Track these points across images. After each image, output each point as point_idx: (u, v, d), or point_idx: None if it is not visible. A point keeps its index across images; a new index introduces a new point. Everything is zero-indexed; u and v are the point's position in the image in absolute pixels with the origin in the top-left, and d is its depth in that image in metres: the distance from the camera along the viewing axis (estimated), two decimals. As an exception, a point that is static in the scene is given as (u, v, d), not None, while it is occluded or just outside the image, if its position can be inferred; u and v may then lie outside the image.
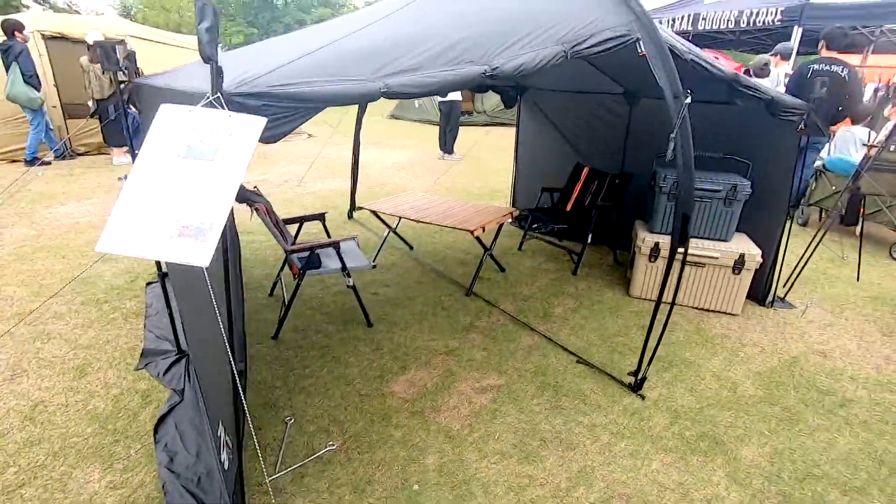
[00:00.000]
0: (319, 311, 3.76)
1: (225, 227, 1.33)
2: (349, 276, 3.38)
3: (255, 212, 3.13)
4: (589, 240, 4.58)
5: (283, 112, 1.45)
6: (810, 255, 4.18)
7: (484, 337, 3.46)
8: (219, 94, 1.26)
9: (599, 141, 5.27)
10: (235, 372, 1.52)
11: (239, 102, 1.35)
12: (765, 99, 3.23)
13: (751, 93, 3.09)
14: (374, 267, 4.54)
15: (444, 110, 9.80)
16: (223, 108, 1.26)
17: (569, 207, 5.03)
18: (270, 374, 2.95)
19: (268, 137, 1.50)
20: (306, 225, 3.85)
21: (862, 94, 5.79)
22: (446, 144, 9.93)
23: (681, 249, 2.56)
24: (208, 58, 1.22)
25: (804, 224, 6.36)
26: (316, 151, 8.66)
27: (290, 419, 2.55)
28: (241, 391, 1.63)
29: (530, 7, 2.45)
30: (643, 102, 4.81)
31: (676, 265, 2.63)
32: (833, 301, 4.25)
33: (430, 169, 8.84)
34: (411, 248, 5.08)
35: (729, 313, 3.92)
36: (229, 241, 1.51)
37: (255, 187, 3.61)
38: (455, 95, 9.66)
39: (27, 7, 25.88)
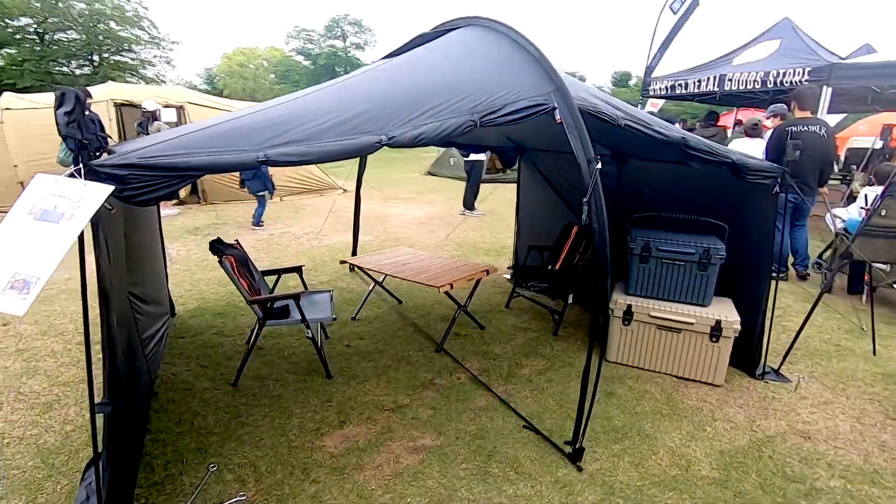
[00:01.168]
0: (288, 360, 3.88)
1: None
2: (308, 327, 3.50)
3: (220, 263, 3.37)
4: (570, 299, 4.49)
5: (153, 180, 1.64)
6: (803, 324, 3.88)
7: (438, 395, 3.43)
8: (80, 167, 1.47)
9: (591, 200, 5.25)
10: (94, 409, 1.64)
11: (107, 173, 1.55)
12: (725, 162, 3.18)
13: (703, 156, 3.05)
14: (356, 319, 4.65)
15: (466, 169, 10.12)
16: (83, 178, 1.46)
17: (558, 266, 4.99)
18: (214, 419, 3.06)
19: (144, 201, 1.70)
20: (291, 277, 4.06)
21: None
22: (467, 201, 10.16)
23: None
24: (67, 137, 1.43)
25: (828, 290, 5.90)
26: (347, 206, 9.13)
27: (214, 467, 2.62)
28: (96, 431, 1.73)
29: (453, 79, 2.61)
30: (631, 163, 4.80)
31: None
32: (838, 376, 3.88)
33: (449, 224, 9.04)
34: (399, 301, 5.17)
35: (710, 383, 3.67)
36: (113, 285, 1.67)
37: (235, 241, 3.88)
38: (478, 156, 9.95)
39: (122, 78, 29.63)
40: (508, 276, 6.09)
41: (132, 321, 3.02)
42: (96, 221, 1.58)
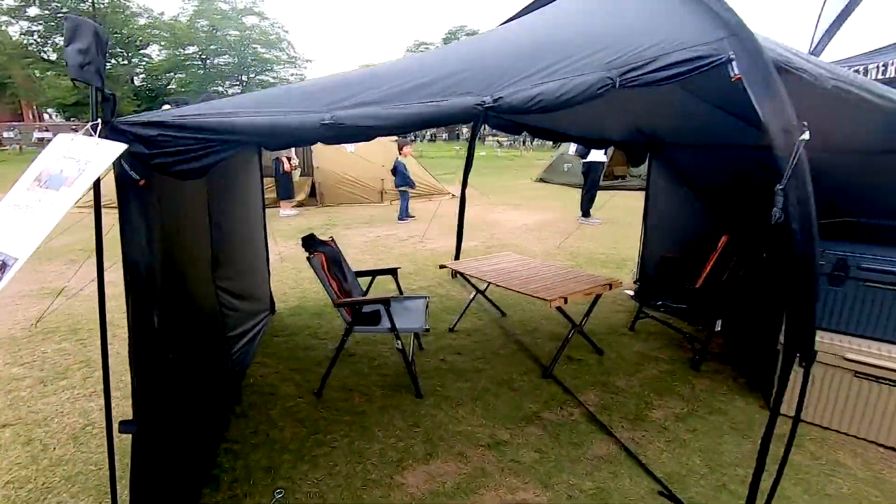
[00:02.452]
0: (378, 370, 3.51)
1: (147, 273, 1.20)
2: (398, 337, 3.09)
3: (308, 260, 3.09)
4: (718, 326, 3.57)
5: (189, 144, 1.29)
6: None
7: (545, 434, 2.80)
8: (98, 122, 1.15)
9: (745, 205, 4.23)
10: (112, 425, 1.32)
11: (133, 133, 1.23)
12: None
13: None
14: (454, 330, 4.18)
15: (583, 171, 9.27)
16: (97, 135, 1.14)
17: (698, 284, 4.06)
18: (292, 433, 2.75)
19: (182, 171, 1.35)
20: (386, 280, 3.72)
21: None
22: (584, 207, 9.29)
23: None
24: (86, 82, 1.12)
25: None
26: (455, 211, 8.83)
27: (281, 493, 2.28)
28: (114, 450, 1.42)
29: (582, 31, 2.01)
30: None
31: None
32: None
33: (561, 232, 8.28)
34: (503, 314, 4.61)
35: (941, 463, 2.57)
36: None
37: (331, 238, 3.63)
38: (597, 156, 9.08)
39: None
40: (633, 293, 5.21)
41: (217, 317, 2.84)
42: (128, 198, 1.28)
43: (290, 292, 5.22)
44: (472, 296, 4.40)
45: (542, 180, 15.94)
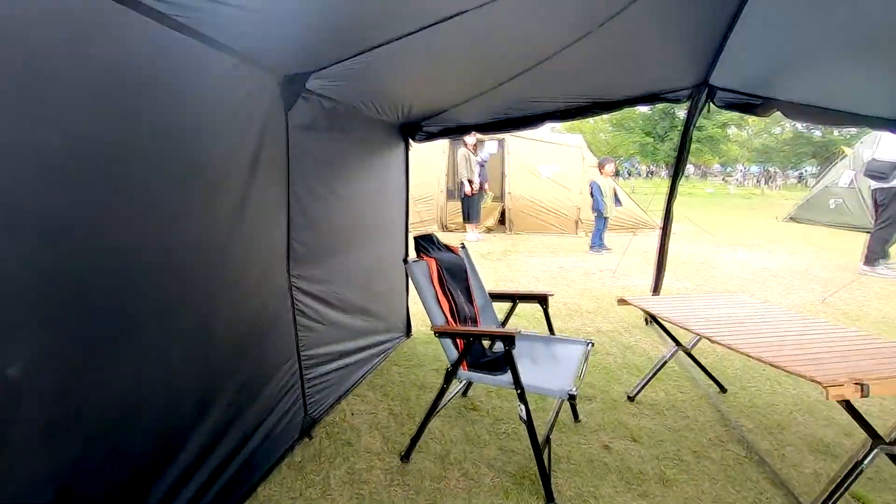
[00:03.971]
0: (500, 442, 2.37)
1: None
2: (523, 399, 1.93)
3: (406, 264, 2.19)
4: None
5: None
6: None
7: None
8: None
9: None
10: None
11: None
12: None
13: None
14: (633, 399, 2.76)
15: (880, 199, 6.38)
16: None
17: None
18: (340, 517, 1.83)
19: None
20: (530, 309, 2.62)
21: None
22: (875, 250, 6.36)
23: None
24: None
25: None
26: (674, 250, 7.10)
27: None
28: None
29: None
30: None
31: None
32: None
33: (823, 283, 5.78)
34: (721, 389, 2.95)
35: None
36: None
37: (461, 244, 2.70)
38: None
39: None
40: None
41: (287, 325, 2.14)
42: None
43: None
44: (669, 352, 2.90)
45: (793, 219, 12.39)
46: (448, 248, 2.51)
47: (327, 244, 2.53)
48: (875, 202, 6.48)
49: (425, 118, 3.34)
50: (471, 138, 9.41)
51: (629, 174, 40.81)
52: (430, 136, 3.53)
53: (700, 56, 2.91)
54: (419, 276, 2.15)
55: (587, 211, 9.16)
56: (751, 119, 36.33)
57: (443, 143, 10.84)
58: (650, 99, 3.26)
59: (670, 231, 3.86)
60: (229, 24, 1.39)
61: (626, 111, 44.91)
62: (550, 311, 2.60)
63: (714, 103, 3.22)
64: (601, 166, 8.30)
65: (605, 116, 46.90)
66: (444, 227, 10.52)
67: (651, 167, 41.19)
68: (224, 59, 1.55)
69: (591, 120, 46.36)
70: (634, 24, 2.53)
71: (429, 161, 10.66)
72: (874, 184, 6.43)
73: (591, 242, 8.08)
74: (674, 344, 2.85)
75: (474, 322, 2.37)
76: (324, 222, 2.48)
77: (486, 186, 9.55)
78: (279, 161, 2.02)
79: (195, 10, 1.28)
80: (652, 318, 2.80)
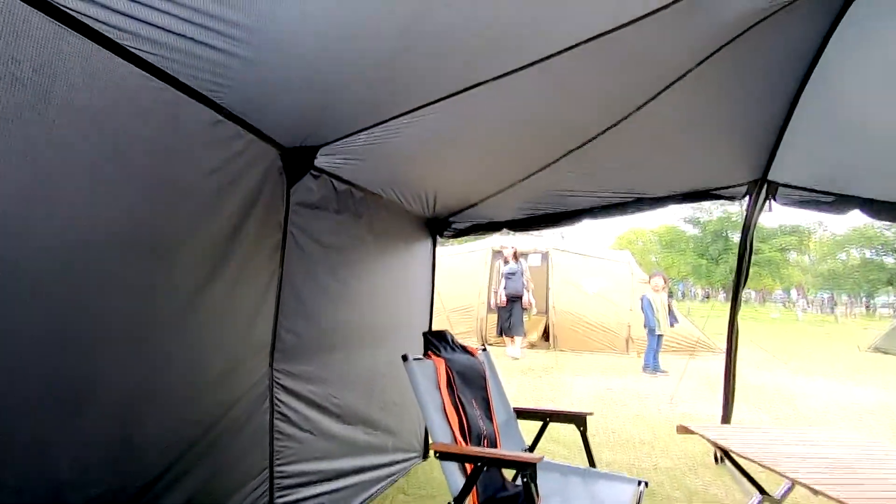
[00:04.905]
0: None
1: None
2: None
3: (405, 361, 1.81)
4: None
5: None
6: None
7: None
8: None
9: None
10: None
11: None
12: None
13: None
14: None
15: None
16: None
17: None
18: None
19: None
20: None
21: None
22: None
23: None
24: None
25: None
26: (743, 378, 6.28)
27: None
28: None
29: None
30: None
31: None
32: None
33: (940, 425, 4.75)
34: (830, 564, 2.18)
35: None
36: None
37: (482, 346, 2.31)
38: None
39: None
40: None
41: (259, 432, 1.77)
42: None
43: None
44: (753, 502, 2.22)
45: (878, 349, 10.99)
46: (464, 349, 2.13)
47: (327, 338, 2.22)
48: None
49: (453, 213, 3.18)
50: (508, 250, 9.28)
51: (683, 296, 39.24)
52: (459, 233, 3.33)
53: (756, 149, 2.65)
54: (421, 380, 1.75)
55: (639, 328, 8.49)
56: (811, 244, 34.90)
57: (484, 255, 10.79)
58: (701, 196, 2.97)
59: (737, 346, 3.28)
60: (214, 71, 1.26)
61: (679, 231, 44.67)
62: (595, 439, 2.09)
63: (775, 200, 2.87)
64: (651, 280, 7.85)
65: (653, 238, 46.67)
66: (484, 341, 10.01)
67: (706, 290, 39.52)
68: (200, 111, 1.38)
69: (640, 241, 46.21)
70: (680, 112, 2.34)
71: (470, 272, 10.55)
72: None
73: (644, 362, 7.33)
74: (757, 492, 2.19)
75: (493, 443, 1.90)
76: (324, 313, 2.20)
77: (526, 300, 8.88)
78: (271, 238, 1.81)
79: (169, 49, 1.14)
80: (724, 455, 2.20)
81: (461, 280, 10.42)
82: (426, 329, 3.27)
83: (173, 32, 1.06)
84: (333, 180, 2.13)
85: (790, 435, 2.24)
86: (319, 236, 2.12)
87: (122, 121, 1.17)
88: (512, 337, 8.85)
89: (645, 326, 7.59)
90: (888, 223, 24.61)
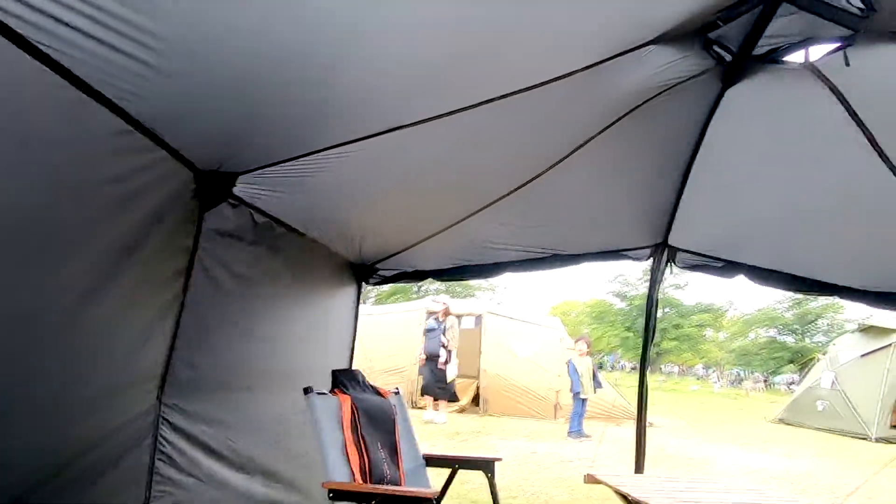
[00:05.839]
0: None
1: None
2: None
3: (307, 395, 1.74)
4: None
5: None
6: None
7: None
8: None
9: None
10: None
11: None
12: None
13: None
14: None
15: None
16: None
17: None
18: None
19: None
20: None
21: None
22: None
23: None
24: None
25: None
26: (661, 443, 6.37)
27: None
28: None
29: None
30: None
31: None
32: None
33: (831, 490, 5.06)
34: None
35: None
36: None
37: (395, 389, 2.27)
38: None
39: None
40: None
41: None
42: None
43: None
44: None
45: (783, 421, 11.71)
46: (376, 391, 2.08)
47: (231, 376, 2.09)
48: None
49: (380, 259, 3.20)
50: (437, 305, 8.93)
51: (612, 367, 40.40)
52: (386, 280, 3.34)
53: (658, 214, 2.92)
54: (321, 415, 1.68)
55: (566, 395, 8.58)
56: (725, 322, 37.62)
57: (419, 315, 10.66)
58: (611, 255, 3.19)
59: (647, 399, 3.41)
60: (122, 77, 1.26)
61: (607, 304, 46.61)
62: (516, 501, 2.05)
63: (675, 264, 3.14)
64: (576, 344, 8.08)
65: (585, 310, 48.43)
66: (414, 403, 9.66)
67: (633, 363, 40.99)
68: (109, 118, 1.32)
69: (573, 313, 47.78)
70: (591, 173, 2.56)
71: (404, 331, 10.35)
72: None
73: (569, 428, 7.36)
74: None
75: (383, 482, 1.81)
76: (231, 348, 2.09)
77: (443, 360, 7.97)
78: (176, 262, 1.74)
79: (73, 46, 1.12)
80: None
81: (395, 339, 10.14)
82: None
83: (79, 31, 1.06)
84: (253, 211, 2.10)
85: (690, 483, 2.32)
86: (233, 266, 2.06)
87: (21, 115, 1.13)
88: (434, 399, 8.19)
89: (571, 391, 7.70)
90: (787, 304, 27.15)
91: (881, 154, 2.02)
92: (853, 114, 1.94)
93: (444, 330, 8.06)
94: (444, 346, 7.95)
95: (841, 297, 2.95)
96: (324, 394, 1.79)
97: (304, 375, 2.64)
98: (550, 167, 2.38)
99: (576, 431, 7.20)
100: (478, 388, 10.12)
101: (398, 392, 2.24)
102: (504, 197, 2.57)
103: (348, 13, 1.28)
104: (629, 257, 3.18)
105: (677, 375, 39.37)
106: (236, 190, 1.91)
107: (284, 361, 2.48)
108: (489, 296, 39.94)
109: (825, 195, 2.35)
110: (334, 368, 2.01)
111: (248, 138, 1.73)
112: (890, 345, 9.74)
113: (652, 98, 2.09)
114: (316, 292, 2.78)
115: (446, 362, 7.86)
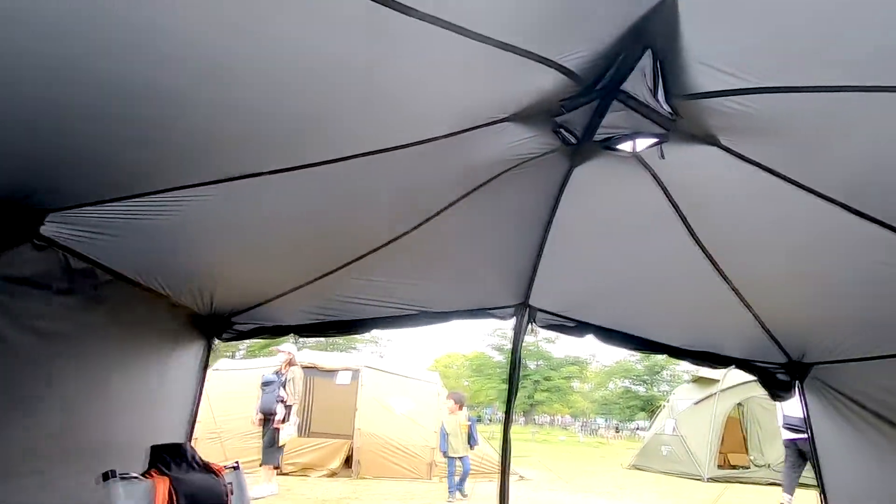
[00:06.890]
0: None
1: None
2: None
3: (105, 480, 1.46)
4: None
5: None
6: None
7: None
8: None
9: None
10: None
11: None
12: None
13: None
14: None
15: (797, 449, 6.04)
16: None
17: None
18: None
19: None
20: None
21: None
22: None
23: None
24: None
25: None
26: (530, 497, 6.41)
27: None
28: None
29: None
30: None
31: None
32: None
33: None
34: None
35: None
36: None
37: (235, 463, 2.01)
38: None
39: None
40: None
41: None
42: None
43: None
44: None
45: (635, 467, 12.73)
46: (207, 468, 1.81)
47: (19, 454, 1.69)
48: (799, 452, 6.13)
49: (236, 312, 2.93)
50: (282, 355, 7.36)
51: (490, 420, 41.18)
52: (242, 336, 3.05)
53: (519, 276, 3.09)
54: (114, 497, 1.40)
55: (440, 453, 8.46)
56: (589, 374, 40.86)
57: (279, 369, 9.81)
58: (478, 313, 3.28)
59: (510, 453, 3.47)
60: None
61: (485, 357, 47.86)
62: None
63: (536, 323, 3.32)
64: (446, 401, 8.07)
65: (466, 363, 49.30)
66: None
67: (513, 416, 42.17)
68: None
69: (455, 365, 48.31)
70: (458, 233, 2.63)
71: (248, 392, 8.91)
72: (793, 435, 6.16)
73: (449, 488, 7.18)
74: None
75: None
76: (23, 421, 1.70)
77: (280, 417, 6.69)
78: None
79: None
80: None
81: (247, 399, 8.48)
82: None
83: None
84: (68, 255, 1.80)
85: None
86: (34, 321, 1.72)
87: None
88: (269, 467, 6.68)
89: (441, 450, 7.62)
90: (638, 357, 30.33)
91: (692, 234, 2.37)
92: (670, 198, 2.27)
93: (284, 383, 6.90)
94: (282, 400, 6.75)
95: (669, 356, 3.33)
96: (133, 478, 1.50)
97: (123, 452, 2.23)
98: (416, 227, 2.41)
99: (453, 489, 7.03)
100: (351, 448, 9.55)
101: (237, 467, 1.97)
102: (371, 252, 2.53)
103: (208, 49, 1.20)
104: (495, 316, 3.30)
105: (548, 426, 41.32)
106: (45, 230, 1.63)
107: (99, 436, 2.09)
108: (371, 348, 38.92)
109: (652, 267, 2.69)
110: (154, 444, 1.72)
111: (67, 171, 1.50)
112: (715, 393, 11.21)
113: (510, 169, 2.25)
114: (151, 350, 2.43)
115: (283, 420, 6.66)
